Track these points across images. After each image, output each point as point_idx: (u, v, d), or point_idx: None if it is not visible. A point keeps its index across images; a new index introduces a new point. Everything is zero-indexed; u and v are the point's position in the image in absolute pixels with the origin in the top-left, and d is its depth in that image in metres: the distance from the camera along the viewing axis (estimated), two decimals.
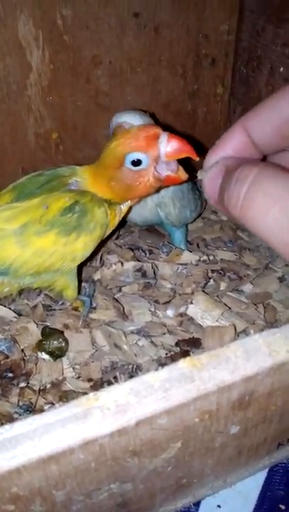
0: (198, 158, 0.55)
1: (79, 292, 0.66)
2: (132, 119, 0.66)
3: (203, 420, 0.36)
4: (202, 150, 0.93)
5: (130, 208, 0.65)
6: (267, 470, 0.56)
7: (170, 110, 0.89)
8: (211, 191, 0.39)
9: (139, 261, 0.73)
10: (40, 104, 0.80)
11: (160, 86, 0.86)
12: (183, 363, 0.35)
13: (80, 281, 0.66)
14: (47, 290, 0.66)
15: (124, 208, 0.62)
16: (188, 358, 0.35)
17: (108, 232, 0.62)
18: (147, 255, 0.76)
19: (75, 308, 0.66)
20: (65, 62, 0.77)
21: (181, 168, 0.56)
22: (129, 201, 0.61)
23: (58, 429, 0.31)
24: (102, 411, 0.31)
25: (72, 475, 0.33)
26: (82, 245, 0.56)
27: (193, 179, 0.69)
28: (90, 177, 0.59)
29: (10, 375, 0.56)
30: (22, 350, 0.60)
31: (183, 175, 0.57)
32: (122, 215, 0.63)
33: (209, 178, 0.40)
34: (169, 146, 0.54)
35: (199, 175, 0.43)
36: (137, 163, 0.54)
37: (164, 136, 0.54)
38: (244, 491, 0.55)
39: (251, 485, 0.55)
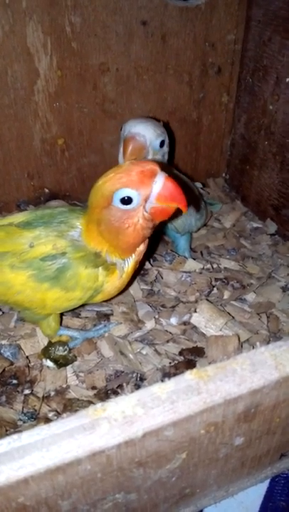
0: (185, 211, 0.51)
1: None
2: (145, 131, 0.64)
3: (208, 432, 0.36)
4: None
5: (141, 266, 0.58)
6: (269, 480, 0.56)
7: (175, 118, 0.90)
8: None
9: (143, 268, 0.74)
10: (47, 110, 0.80)
11: (166, 94, 0.87)
12: (190, 375, 0.35)
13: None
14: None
15: (129, 265, 0.55)
16: (194, 370, 0.35)
17: (113, 292, 0.57)
18: (152, 262, 0.76)
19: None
20: (73, 68, 0.78)
21: (179, 196, 0.49)
22: (133, 255, 0.55)
23: (66, 439, 0.31)
24: (109, 422, 0.32)
25: (78, 485, 0.33)
26: (53, 298, 0.53)
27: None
28: (84, 224, 0.54)
29: (14, 381, 0.56)
30: (27, 357, 0.60)
31: (175, 204, 0.50)
32: (129, 276, 0.57)
33: None
34: (163, 188, 0.48)
35: None
36: (126, 201, 0.48)
37: (160, 176, 0.48)
38: (246, 501, 0.55)
39: (253, 495, 0.55)
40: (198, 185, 0.95)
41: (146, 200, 0.49)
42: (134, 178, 0.47)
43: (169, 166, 0.72)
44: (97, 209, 0.50)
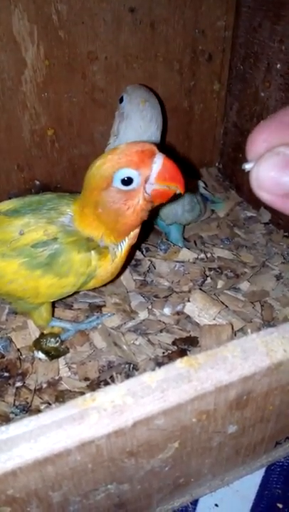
0: (183, 192, 0.50)
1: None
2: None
3: (200, 420, 0.35)
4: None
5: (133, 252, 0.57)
6: (264, 469, 0.56)
7: (167, 106, 0.89)
8: (270, 186, 0.31)
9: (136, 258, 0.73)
10: (36, 101, 0.79)
11: (156, 82, 0.86)
12: (180, 363, 0.34)
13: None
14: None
15: (122, 249, 0.54)
16: (185, 358, 0.35)
17: (106, 277, 0.56)
18: (145, 252, 0.76)
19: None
20: (61, 57, 0.77)
21: (178, 176, 0.50)
22: (126, 239, 0.54)
23: (54, 430, 0.30)
24: (98, 412, 0.31)
25: (68, 476, 0.33)
26: (47, 285, 0.52)
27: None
28: (77, 210, 0.53)
29: (6, 374, 0.56)
30: (18, 349, 0.59)
31: (175, 188, 0.50)
32: (122, 260, 0.56)
33: (265, 170, 0.31)
34: (162, 168, 0.48)
35: (246, 167, 0.32)
36: (127, 181, 0.48)
37: (159, 157, 0.48)
38: (241, 490, 0.55)
39: (249, 484, 0.55)
40: (201, 184, 0.92)
41: (146, 180, 0.48)
42: (134, 158, 0.47)
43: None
44: (95, 191, 0.49)
